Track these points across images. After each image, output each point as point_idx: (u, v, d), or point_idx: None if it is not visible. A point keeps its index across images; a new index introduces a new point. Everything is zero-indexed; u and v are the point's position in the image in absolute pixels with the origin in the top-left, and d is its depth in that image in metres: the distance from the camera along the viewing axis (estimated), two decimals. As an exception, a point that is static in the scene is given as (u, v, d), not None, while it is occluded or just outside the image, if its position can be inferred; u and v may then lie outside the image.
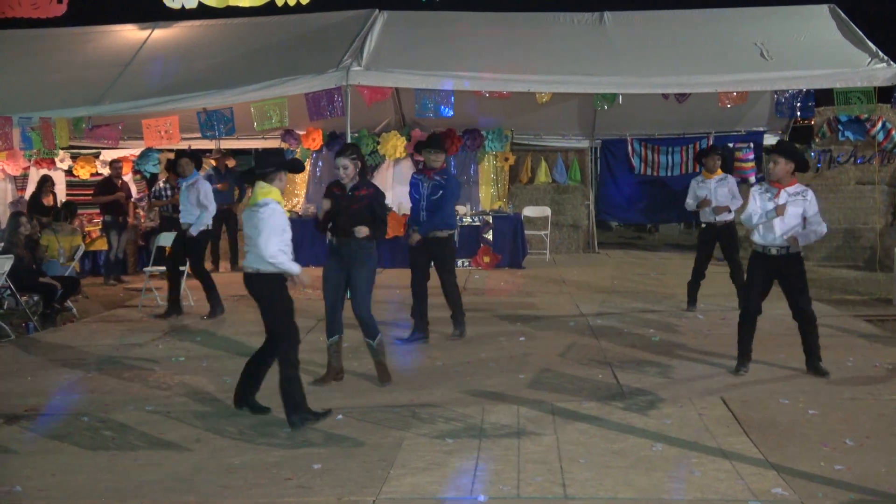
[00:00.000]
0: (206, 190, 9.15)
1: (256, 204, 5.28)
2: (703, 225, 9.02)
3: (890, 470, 4.42)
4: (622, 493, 4.18)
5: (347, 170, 6.16)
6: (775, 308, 7.02)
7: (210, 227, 9.27)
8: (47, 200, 12.30)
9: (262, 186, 5.33)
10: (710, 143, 14.40)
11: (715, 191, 8.76)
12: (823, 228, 6.24)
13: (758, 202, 6.30)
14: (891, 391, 5.89)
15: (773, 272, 6.29)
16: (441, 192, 7.57)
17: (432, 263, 7.70)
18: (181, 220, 9.25)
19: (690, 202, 8.98)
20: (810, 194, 6.27)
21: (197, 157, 9.62)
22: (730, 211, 8.74)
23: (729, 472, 4.43)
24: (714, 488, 4.21)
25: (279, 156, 5.73)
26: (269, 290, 5.35)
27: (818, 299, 6.68)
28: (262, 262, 5.23)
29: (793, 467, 4.46)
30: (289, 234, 5.34)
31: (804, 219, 6.19)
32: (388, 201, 11.07)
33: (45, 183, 12.51)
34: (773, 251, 6.23)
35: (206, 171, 11.89)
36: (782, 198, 6.19)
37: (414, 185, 7.77)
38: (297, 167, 5.97)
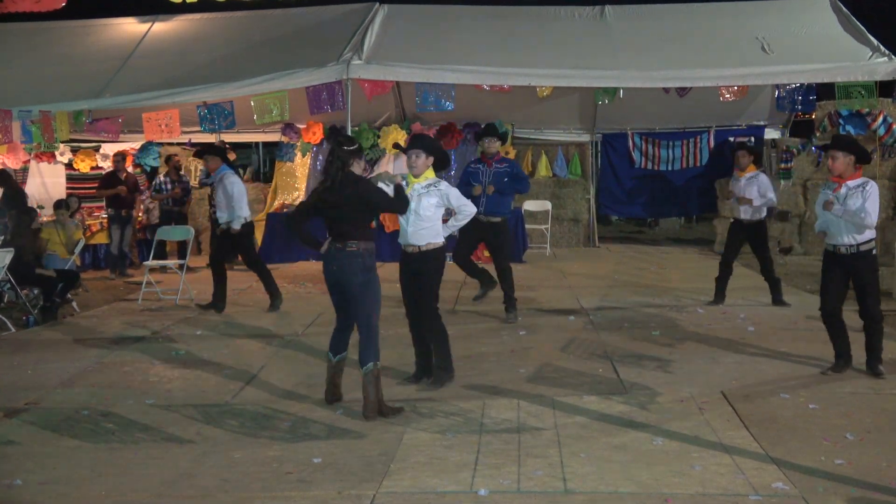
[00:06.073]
0: (230, 184, 8.93)
1: (427, 183, 5.88)
2: (732, 220, 8.95)
3: (891, 464, 4.42)
4: (623, 488, 4.18)
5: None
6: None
7: (249, 219, 9.05)
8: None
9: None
10: (711, 137, 14.42)
11: (744, 189, 8.60)
12: (865, 220, 5.93)
13: (820, 202, 6.20)
14: (892, 386, 5.88)
15: (845, 270, 6.14)
16: (506, 179, 8.09)
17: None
18: (217, 219, 9.09)
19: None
20: (870, 187, 6.01)
21: (219, 150, 9.51)
22: (753, 206, 8.54)
23: (729, 466, 4.43)
24: (715, 483, 4.21)
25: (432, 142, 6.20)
26: (432, 264, 5.89)
27: (818, 293, 6.64)
28: (436, 237, 5.87)
29: (793, 462, 4.46)
30: None
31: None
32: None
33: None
34: (843, 250, 6.08)
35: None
36: (842, 192, 6.05)
37: (472, 174, 8.20)
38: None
